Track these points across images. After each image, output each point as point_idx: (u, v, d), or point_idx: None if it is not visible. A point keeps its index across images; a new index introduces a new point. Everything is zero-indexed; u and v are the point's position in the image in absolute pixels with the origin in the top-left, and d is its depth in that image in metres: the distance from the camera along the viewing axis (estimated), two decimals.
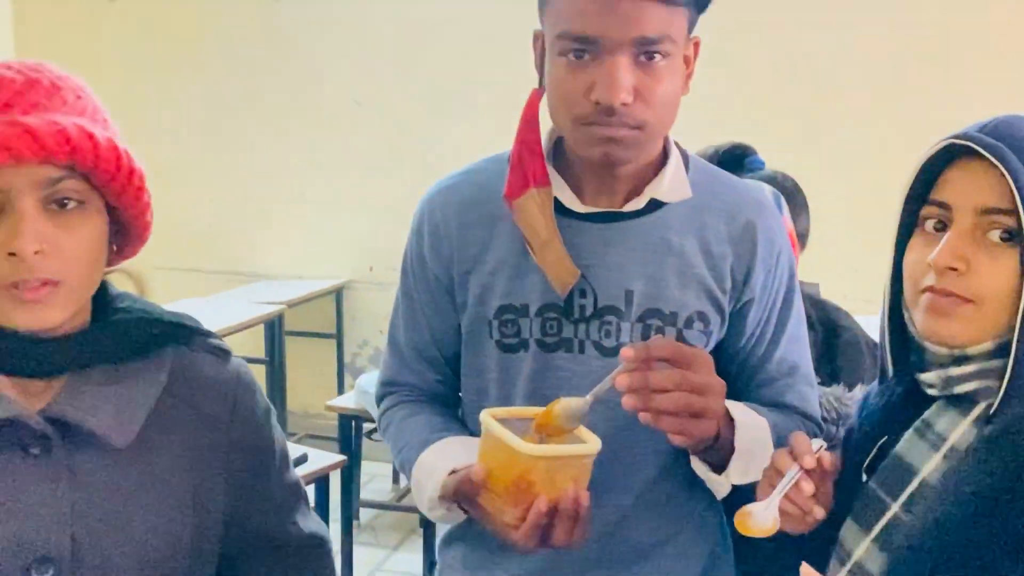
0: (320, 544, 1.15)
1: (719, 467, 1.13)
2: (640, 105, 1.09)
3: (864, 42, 3.65)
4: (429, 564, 3.06)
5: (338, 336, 4.32)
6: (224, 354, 1.07)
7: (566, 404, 1.06)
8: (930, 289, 0.92)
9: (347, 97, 4.25)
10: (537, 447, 1.02)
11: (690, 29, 1.13)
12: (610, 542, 1.21)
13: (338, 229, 4.29)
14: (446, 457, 1.17)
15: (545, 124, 1.20)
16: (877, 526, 0.97)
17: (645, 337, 1.17)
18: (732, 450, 1.11)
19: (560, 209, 1.19)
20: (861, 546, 0.98)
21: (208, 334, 1.07)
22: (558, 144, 1.22)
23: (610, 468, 1.15)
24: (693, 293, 1.19)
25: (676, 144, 1.24)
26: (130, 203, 0.95)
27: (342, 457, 2.77)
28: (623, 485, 1.20)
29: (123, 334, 0.98)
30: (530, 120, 1.19)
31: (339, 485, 3.04)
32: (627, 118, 1.09)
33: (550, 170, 1.19)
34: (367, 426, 3.45)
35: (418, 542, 3.48)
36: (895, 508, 0.96)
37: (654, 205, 1.19)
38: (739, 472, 1.12)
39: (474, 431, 1.21)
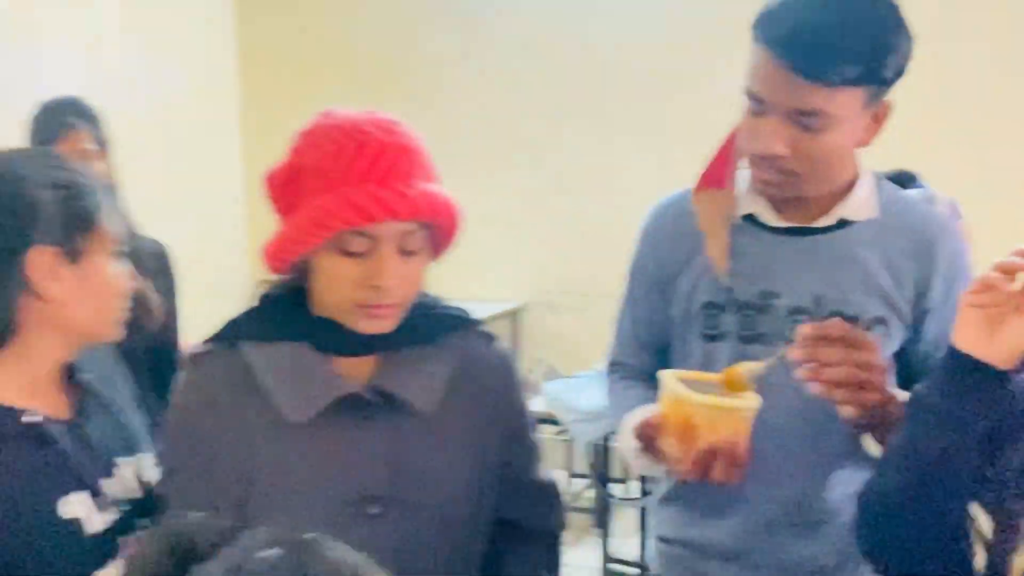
0: (555, 490, 1.34)
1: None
2: (794, 159, 1.22)
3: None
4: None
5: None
6: (491, 339, 1.26)
7: (747, 365, 1.21)
8: None
9: (528, 139, 4.48)
10: (699, 396, 1.17)
11: (872, 97, 1.21)
12: (801, 505, 1.35)
13: (516, 254, 4.49)
14: (639, 415, 1.33)
15: None
16: None
17: None
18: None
19: (759, 224, 1.34)
20: None
21: (480, 323, 1.26)
22: None
23: (801, 441, 1.29)
24: (875, 301, 1.30)
25: (873, 172, 1.35)
26: (450, 240, 1.15)
27: None
28: (812, 458, 1.33)
29: (421, 324, 1.17)
30: (733, 135, 1.34)
31: None
32: (777, 166, 1.24)
33: (751, 191, 1.34)
34: (549, 429, 3.60)
35: (591, 540, 3.69)
36: None
37: (843, 223, 1.32)
38: None
39: None
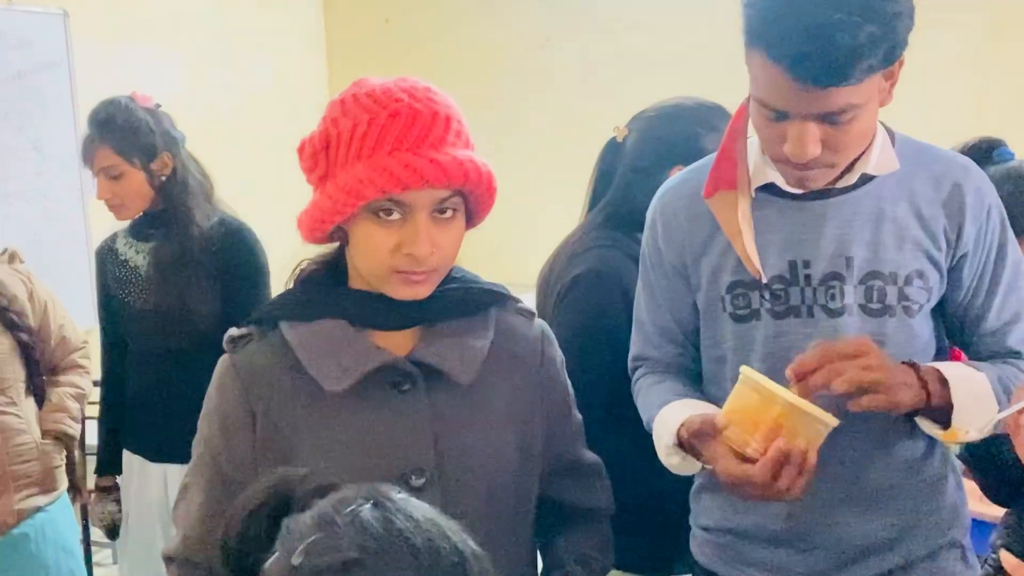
0: (600, 468, 1.32)
1: (945, 424, 1.22)
2: (828, 152, 1.18)
3: None
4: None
5: None
6: (531, 315, 1.25)
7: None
8: None
9: (607, 128, 4.58)
10: (793, 396, 1.14)
11: (886, 72, 1.16)
12: (859, 480, 1.31)
13: None
14: (679, 413, 1.30)
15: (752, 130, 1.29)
16: None
17: (868, 297, 1.26)
18: (951, 406, 1.20)
19: (779, 192, 1.29)
20: None
21: (518, 300, 1.25)
22: None
23: (852, 416, 1.21)
24: (910, 254, 1.26)
25: (881, 123, 1.29)
26: (486, 207, 1.16)
27: None
28: (864, 433, 1.28)
29: (459, 298, 1.17)
30: (735, 130, 1.29)
31: None
32: (817, 164, 1.20)
33: (764, 163, 1.29)
34: None
35: None
36: None
37: (865, 179, 1.27)
38: (966, 423, 1.19)
39: (712, 398, 1.35)
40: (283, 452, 1.11)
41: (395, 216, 1.07)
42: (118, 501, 2.34)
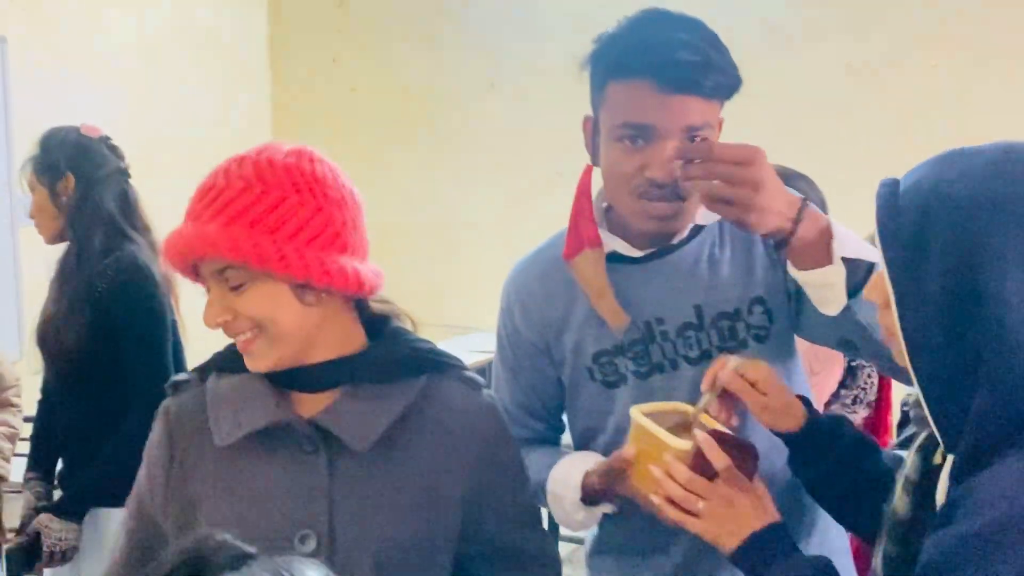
0: (549, 561, 1.25)
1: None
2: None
3: None
4: None
5: None
6: (474, 385, 1.20)
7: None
8: None
9: (551, 169, 4.64)
10: (685, 442, 1.14)
11: (719, 121, 1.30)
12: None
13: None
14: (575, 466, 1.32)
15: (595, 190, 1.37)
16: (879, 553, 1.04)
17: (722, 338, 1.32)
18: (831, 235, 1.18)
19: (621, 259, 1.35)
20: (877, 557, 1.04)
21: (463, 367, 1.21)
22: (610, 208, 1.37)
23: None
24: (748, 288, 1.33)
25: None
26: (317, 284, 1.07)
27: None
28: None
29: (383, 361, 1.14)
30: (583, 191, 1.36)
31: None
32: (674, 191, 1.25)
33: (605, 232, 1.35)
34: None
35: None
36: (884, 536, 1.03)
37: (695, 231, 1.35)
38: (849, 244, 1.18)
39: None
40: (188, 499, 1.13)
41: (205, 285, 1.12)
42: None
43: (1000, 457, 0.88)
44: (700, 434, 1.14)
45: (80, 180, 2.15)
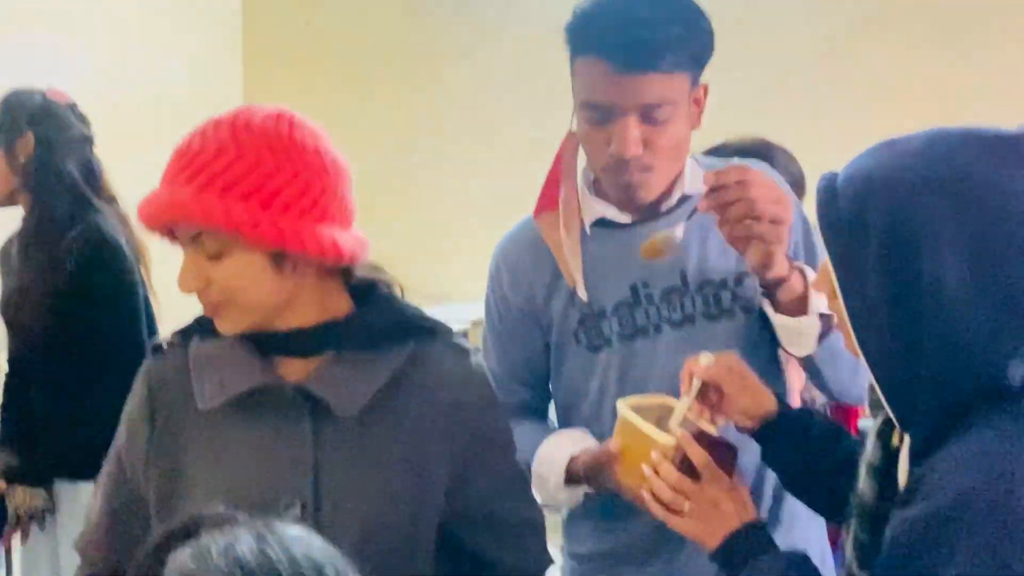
0: (535, 528, 1.26)
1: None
2: (648, 153, 1.30)
3: None
4: None
5: None
6: (462, 351, 1.20)
7: (662, 234, 1.29)
8: None
9: (526, 138, 4.62)
10: (670, 437, 1.18)
11: (694, 82, 1.33)
12: None
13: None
14: (562, 447, 1.37)
15: (584, 161, 1.42)
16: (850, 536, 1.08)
17: (706, 303, 1.37)
18: (807, 297, 1.27)
19: (612, 224, 1.40)
20: (848, 546, 1.07)
21: (452, 333, 1.20)
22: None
23: None
24: (732, 261, 1.37)
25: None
26: (256, 242, 1.06)
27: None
28: None
29: (370, 328, 1.14)
30: (559, 155, 1.42)
31: None
32: (638, 165, 1.31)
33: (591, 198, 1.41)
34: None
35: None
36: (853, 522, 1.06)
37: (683, 199, 1.40)
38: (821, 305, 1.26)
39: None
40: (174, 462, 1.13)
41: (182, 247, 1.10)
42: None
43: (955, 435, 0.90)
44: (679, 431, 1.18)
45: (41, 141, 2.07)
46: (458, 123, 4.79)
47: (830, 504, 1.20)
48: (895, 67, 4.03)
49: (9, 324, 2.09)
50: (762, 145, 1.97)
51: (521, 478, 1.27)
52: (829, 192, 0.98)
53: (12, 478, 2.08)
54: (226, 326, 1.11)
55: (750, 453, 1.27)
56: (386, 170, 4.90)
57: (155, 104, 4.24)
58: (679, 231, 1.29)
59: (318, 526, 1.05)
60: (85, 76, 3.83)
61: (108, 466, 1.20)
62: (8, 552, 2.89)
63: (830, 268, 0.99)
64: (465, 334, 4.32)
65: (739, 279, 1.38)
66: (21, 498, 2.06)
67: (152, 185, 1.08)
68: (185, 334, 1.18)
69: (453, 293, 4.91)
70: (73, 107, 2.13)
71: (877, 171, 0.96)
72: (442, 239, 4.86)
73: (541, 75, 4.77)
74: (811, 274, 1.28)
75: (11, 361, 2.22)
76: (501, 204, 4.89)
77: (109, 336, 2.02)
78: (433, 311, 1.15)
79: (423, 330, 1.17)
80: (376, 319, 1.15)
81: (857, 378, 1.38)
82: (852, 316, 0.96)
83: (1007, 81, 3.74)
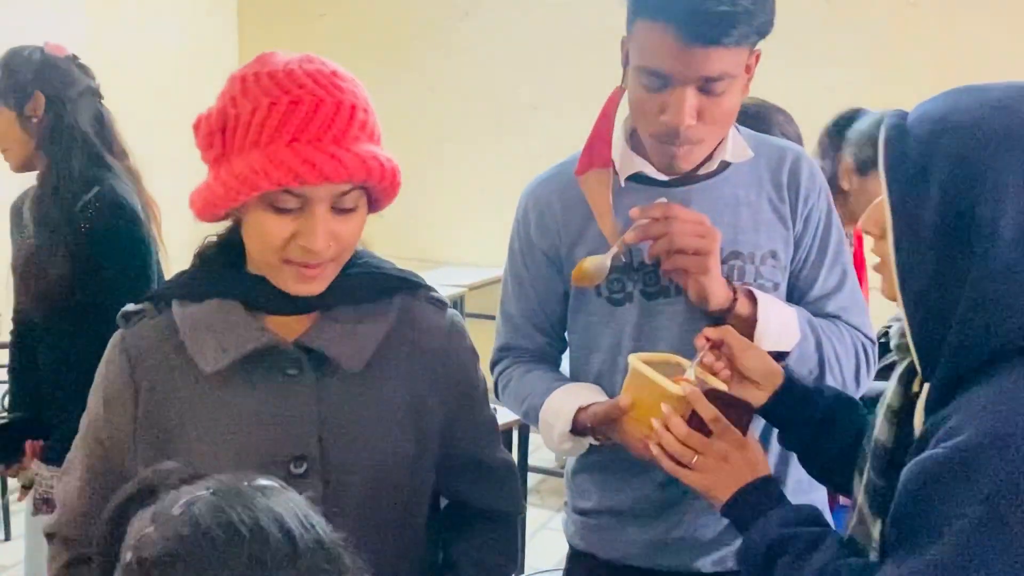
0: (511, 470, 1.30)
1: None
2: (701, 125, 1.27)
3: None
4: None
5: None
6: (442, 305, 1.21)
7: (592, 260, 1.30)
8: None
9: (524, 102, 4.59)
10: (681, 388, 1.18)
11: (751, 53, 1.29)
12: None
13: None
14: (571, 398, 1.36)
15: (622, 113, 1.38)
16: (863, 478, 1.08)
17: (728, 275, 1.35)
18: (756, 320, 1.30)
19: (647, 180, 1.37)
20: (859, 493, 1.08)
21: (430, 289, 1.22)
22: (636, 131, 1.38)
23: None
24: (765, 235, 1.37)
25: None
26: (389, 197, 1.13)
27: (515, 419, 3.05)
28: None
29: (360, 284, 1.14)
30: (608, 113, 1.38)
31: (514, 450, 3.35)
32: (690, 136, 1.28)
33: (630, 153, 1.38)
34: None
35: None
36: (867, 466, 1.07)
37: (723, 166, 1.38)
38: (766, 337, 1.30)
39: (584, 382, 1.42)
40: (165, 431, 1.10)
41: (291, 205, 1.04)
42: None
43: (971, 385, 0.91)
44: (687, 386, 1.17)
45: (51, 100, 2.01)
46: (456, 87, 4.74)
47: (838, 474, 1.19)
48: (896, 25, 3.98)
49: (21, 282, 2.06)
50: (759, 106, 1.95)
51: (496, 425, 1.30)
52: (898, 129, 0.97)
53: (39, 457, 2.06)
54: (320, 285, 1.10)
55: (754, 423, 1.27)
56: (382, 136, 4.85)
57: (151, 59, 4.20)
58: (608, 259, 1.31)
59: (325, 482, 1.08)
60: (77, 33, 3.79)
61: (82, 446, 1.16)
62: (6, 509, 2.87)
63: (885, 206, 0.97)
64: (461, 298, 4.35)
65: (764, 258, 1.37)
66: (48, 479, 2.05)
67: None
68: (157, 300, 1.15)
69: (450, 258, 4.90)
70: (74, 59, 2.09)
71: (952, 115, 0.94)
72: (440, 205, 4.84)
73: (540, 40, 4.75)
74: (762, 297, 1.31)
75: (19, 322, 2.19)
76: (498, 172, 4.92)
77: (121, 302, 2.01)
78: (430, 275, 1.14)
79: (406, 283, 1.18)
80: (360, 275, 1.15)
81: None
82: (899, 255, 0.95)
83: None
